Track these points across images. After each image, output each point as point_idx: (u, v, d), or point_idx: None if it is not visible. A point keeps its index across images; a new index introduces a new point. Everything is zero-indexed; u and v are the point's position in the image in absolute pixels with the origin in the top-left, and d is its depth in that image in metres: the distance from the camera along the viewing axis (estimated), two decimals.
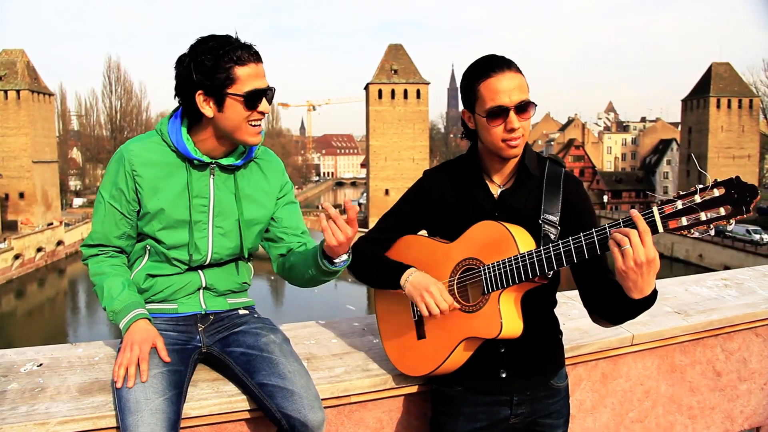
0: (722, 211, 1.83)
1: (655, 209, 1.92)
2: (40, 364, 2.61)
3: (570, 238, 2.10)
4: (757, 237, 59.09)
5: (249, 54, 2.29)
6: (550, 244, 2.14)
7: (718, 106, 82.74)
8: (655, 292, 2.11)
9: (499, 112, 2.25)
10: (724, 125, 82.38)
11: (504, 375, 2.41)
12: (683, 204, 1.87)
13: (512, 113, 2.25)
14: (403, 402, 2.73)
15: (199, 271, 2.54)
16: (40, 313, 54.94)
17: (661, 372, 3.24)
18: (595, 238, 2.05)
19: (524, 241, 2.24)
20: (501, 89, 2.24)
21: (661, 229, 1.91)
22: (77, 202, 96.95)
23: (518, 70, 2.28)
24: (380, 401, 2.68)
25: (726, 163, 79.24)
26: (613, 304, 2.23)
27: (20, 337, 42.90)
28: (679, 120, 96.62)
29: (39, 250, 66.16)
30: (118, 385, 2.19)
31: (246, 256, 2.63)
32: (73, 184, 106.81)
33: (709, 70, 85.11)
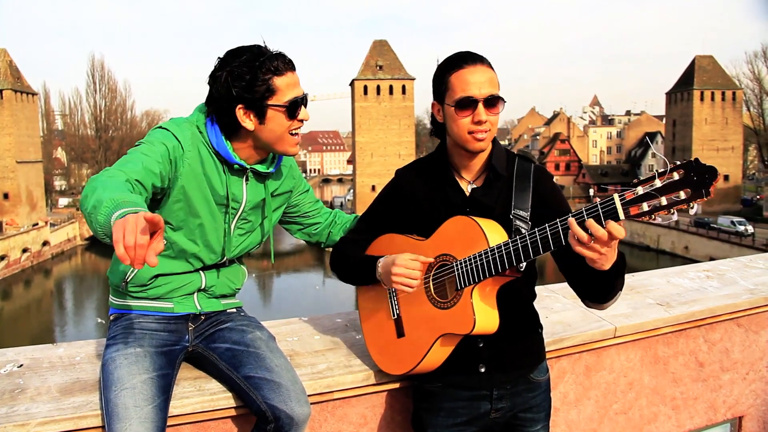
0: (682, 195, 1.81)
1: (615, 196, 1.91)
2: (21, 365, 2.58)
3: (536, 229, 2.09)
4: (741, 228, 59.53)
5: (284, 63, 2.29)
6: (518, 237, 2.14)
7: (702, 99, 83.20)
8: (622, 257, 2.11)
9: (468, 103, 2.28)
10: (708, 118, 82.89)
11: (483, 370, 2.41)
12: (643, 189, 1.86)
13: (480, 105, 2.27)
14: (385, 398, 2.73)
15: (202, 272, 2.53)
16: (27, 315, 54.51)
17: (644, 363, 3.26)
18: (560, 228, 2.03)
19: (495, 235, 2.24)
20: (472, 81, 2.26)
21: (622, 216, 1.89)
22: (62, 202, 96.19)
23: (490, 66, 2.31)
24: (363, 397, 2.68)
25: (710, 156, 79.63)
26: (592, 282, 2.23)
27: (6, 338, 42.56)
28: (663, 113, 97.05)
29: (25, 250, 65.64)
30: (125, 262, 1.66)
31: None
32: (58, 184, 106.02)
33: (693, 63, 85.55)
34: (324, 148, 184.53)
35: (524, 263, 2.17)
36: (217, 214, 2.44)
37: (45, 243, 69.88)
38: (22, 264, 64.99)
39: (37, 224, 71.05)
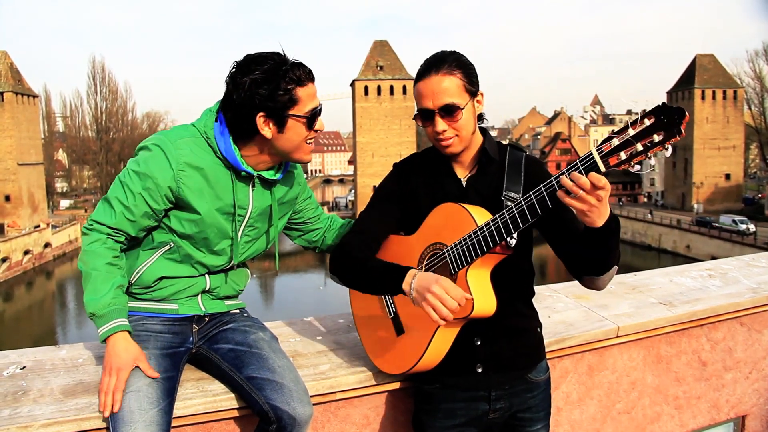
0: (656, 138, 1.86)
1: (593, 150, 1.95)
2: (23, 367, 2.59)
3: (521, 198, 2.11)
4: (743, 227, 59.60)
5: (306, 74, 2.30)
6: (505, 210, 2.15)
7: (703, 98, 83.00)
8: (615, 218, 2.10)
9: (425, 115, 2.34)
10: (709, 116, 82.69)
11: (480, 370, 2.41)
12: (619, 140, 1.91)
13: (437, 116, 2.31)
14: (388, 398, 2.73)
15: (207, 275, 2.53)
16: (29, 316, 54.60)
17: (647, 363, 3.26)
18: (544, 193, 2.05)
19: (481, 215, 2.25)
20: (424, 94, 2.32)
21: (602, 167, 1.93)
22: (64, 203, 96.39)
23: (450, 72, 2.29)
24: (366, 398, 2.68)
25: (711, 154, 79.66)
26: (587, 246, 2.18)
27: (8, 340, 42.61)
28: None
29: (26, 252, 65.74)
30: (105, 414, 2.16)
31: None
32: (60, 186, 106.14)
33: (694, 61, 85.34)
34: (325, 148, 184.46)
35: (514, 239, 2.19)
36: (223, 223, 2.43)
37: (47, 245, 69.99)
38: (23, 266, 65.08)
39: (38, 226, 71.17)
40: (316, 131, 2.38)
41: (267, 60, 2.25)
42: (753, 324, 3.51)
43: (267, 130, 2.30)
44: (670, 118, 1.83)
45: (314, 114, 2.33)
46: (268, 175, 2.45)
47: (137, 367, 2.23)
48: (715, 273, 3.92)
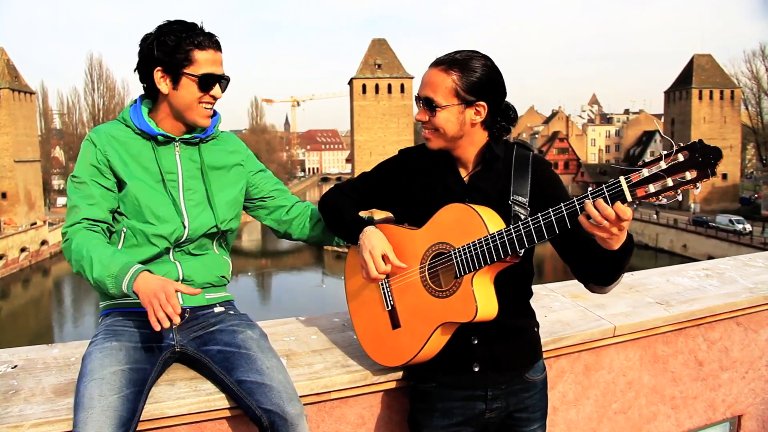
0: (688, 176, 1.82)
1: (621, 179, 1.92)
2: (15, 366, 2.57)
3: (539, 214, 2.09)
4: (740, 227, 59.68)
5: (209, 41, 2.45)
6: (520, 223, 2.13)
7: (701, 98, 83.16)
8: (629, 236, 2.11)
9: (417, 100, 2.38)
10: (707, 116, 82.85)
11: (477, 369, 2.40)
12: (649, 171, 1.87)
13: (421, 104, 2.35)
14: (382, 397, 2.71)
15: (176, 261, 2.54)
16: (25, 314, 54.47)
17: (644, 363, 3.25)
18: (565, 213, 2.04)
19: (493, 222, 2.24)
20: (421, 81, 2.38)
21: (629, 197, 1.90)
22: (61, 201, 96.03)
23: (447, 71, 2.28)
24: (360, 397, 2.67)
25: None
26: (600, 263, 2.22)
27: (4, 338, 42.53)
28: (662, 111, 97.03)
29: (23, 250, 65.58)
30: (156, 328, 2.16)
31: (222, 232, 2.67)
32: (57, 183, 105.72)
33: (691, 61, 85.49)
34: (323, 146, 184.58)
35: (525, 248, 2.17)
36: (158, 189, 2.51)
37: (43, 242, 69.84)
38: (20, 263, 64.93)
39: (35, 223, 70.97)
40: (212, 97, 2.50)
41: (177, 23, 2.44)
42: (749, 324, 3.51)
43: (164, 85, 2.46)
44: (704, 157, 1.79)
45: (208, 77, 2.46)
46: (188, 135, 2.57)
47: (105, 357, 2.25)
48: (712, 273, 3.91)
